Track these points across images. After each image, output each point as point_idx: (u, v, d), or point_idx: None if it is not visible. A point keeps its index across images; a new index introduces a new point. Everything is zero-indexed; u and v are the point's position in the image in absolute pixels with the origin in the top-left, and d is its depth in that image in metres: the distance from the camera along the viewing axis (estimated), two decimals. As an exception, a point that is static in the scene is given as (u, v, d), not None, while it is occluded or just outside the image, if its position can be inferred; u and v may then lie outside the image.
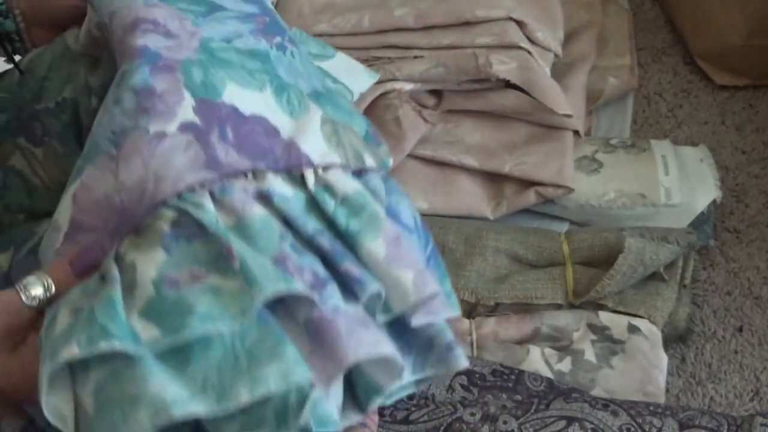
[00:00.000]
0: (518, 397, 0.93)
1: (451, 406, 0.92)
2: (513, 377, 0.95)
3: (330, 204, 0.69)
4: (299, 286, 0.62)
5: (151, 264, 0.64)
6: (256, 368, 0.60)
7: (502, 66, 1.16)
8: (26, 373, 0.64)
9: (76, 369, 0.62)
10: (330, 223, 0.69)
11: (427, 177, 1.16)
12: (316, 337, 0.64)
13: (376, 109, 1.17)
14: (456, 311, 0.72)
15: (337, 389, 0.67)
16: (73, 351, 0.59)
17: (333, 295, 0.65)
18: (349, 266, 0.66)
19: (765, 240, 1.19)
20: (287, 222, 0.68)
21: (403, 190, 1.15)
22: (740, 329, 1.11)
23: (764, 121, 1.33)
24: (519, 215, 1.16)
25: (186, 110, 0.69)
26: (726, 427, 0.91)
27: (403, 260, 0.68)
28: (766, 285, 1.15)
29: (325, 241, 0.67)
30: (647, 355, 1.00)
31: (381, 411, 0.91)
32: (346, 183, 0.71)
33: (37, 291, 0.66)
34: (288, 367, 0.60)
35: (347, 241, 0.68)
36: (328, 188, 0.70)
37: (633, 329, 1.02)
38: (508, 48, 1.19)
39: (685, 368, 1.07)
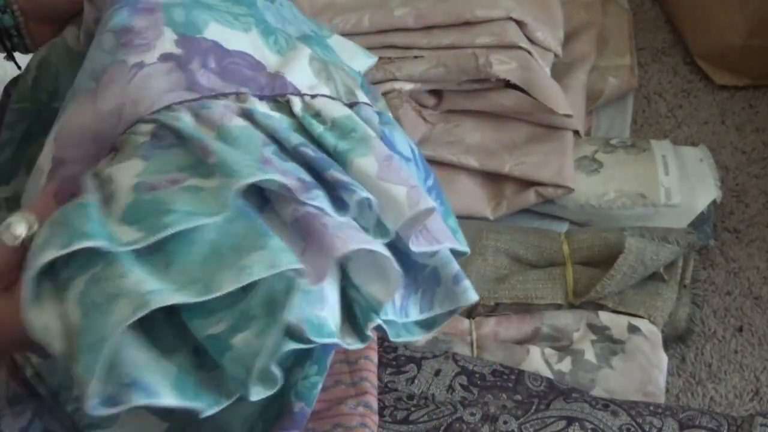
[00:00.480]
0: (518, 397, 0.93)
1: (451, 406, 0.92)
2: (513, 377, 0.96)
3: (318, 127, 0.68)
4: (278, 177, 0.61)
5: (129, 173, 0.63)
6: (240, 259, 0.59)
7: (502, 66, 1.16)
8: (18, 314, 0.62)
9: (61, 287, 0.61)
10: (318, 145, 0.68)
11: (427, 177, 1.16)
12: (304, 234, 0.62)
13: (376, 109, 1.17)
14: (463, 246, 0.70)
15: (333, 305, 0.66)
16: (48, 255, 0.58)
17: (319, 198, 0.63)
18: (335, 173, 0.65)
19: (765, 240, 1.19)
20: (270, 136, 0.67)
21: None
22: (740, 329, 1.11)
23: (764, 121, 1.33)
24: (519, 215, 1.16)
25: (166, 43, 0.68)
26: (726, 427, 0.91)
27: (395, 177, 0.66)
28: (766, 285, 1.15)
29: (310, 151, 0.66)
30: (647, 355, 1.00)
31: (381, 411, 0.91)
32: (334, 109, 0.70)
33: (20, 229, 0.64)
34: (273, 254, 0.59)
35: (336, 160, 0.67)
36: (316, 115, 0.69)
37: (633, 329, 1.02)
38: (508, 48, 1.19)
39: (685, 368, 1.07)
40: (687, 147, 1.22)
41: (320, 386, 0.81)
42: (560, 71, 1.26)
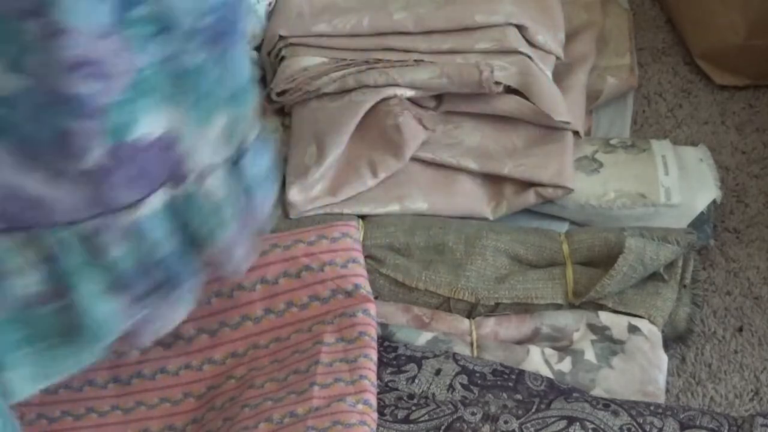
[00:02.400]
0: (519, 397, 0.93)
1: (452, 405, 0.92)
2: (513, 377, 0.95)
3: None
4: None
5: None
6: None
7: (502, 72, 1.16)
8: None
9: None
10: None
11: (427, 178, 1.16)
12: None
13: (376, 114, 1.17)
14: None
15: None
16: None
17: None
18: None
19: (765, 240, 1.19)
20: None
21: (404, 191, 1.17)
22: (740, 329, 1.11)
23: (764, 121, 1.33)
24: (519, 215, 1.15)
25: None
26: (727, 427, 0.91)
27: None
28: (766, 285, 1.15)
29: None
30: (647, 355, 1.00)
31: (381, 411, 0.91)
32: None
33: None
34: None
35: None
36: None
37: (633, 329, 1.02)
38: (508, 53, 1.19)
39: (685, 368, 1.07)
40: (687, 147, 1.22)
41: None
42: (560, 72, 1.26)
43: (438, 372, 0.96)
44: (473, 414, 0.91)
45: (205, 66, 0.71)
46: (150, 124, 0.68)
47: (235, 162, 0.74)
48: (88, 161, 0.64)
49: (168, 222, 0.70)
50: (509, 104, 1.18)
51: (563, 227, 1.16)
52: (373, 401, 0.90)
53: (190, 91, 0.71)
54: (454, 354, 0.97)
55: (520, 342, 1.02)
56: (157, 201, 0.69)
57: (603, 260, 1.06)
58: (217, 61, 0.72)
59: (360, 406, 0.88)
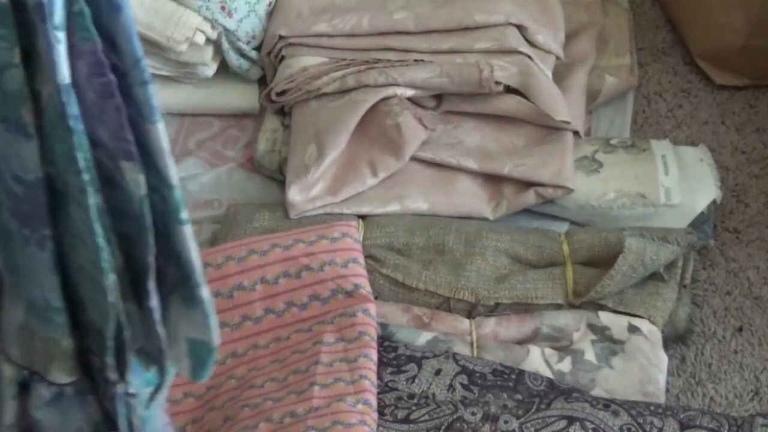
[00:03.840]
0: (519, 397, 0.93)
1: (452, 405, 0.92)
2: (513, 377, 0.95)
3: None
4: None
5: None
6: None
7: (502, 72, 1.16)
8: None
9: None
10: None
11: (427, 177, 1.16)
12: None
13: (376, 113, 1.17)
14: None
15: None
16: None
17: None
18: None
19: (765, 240, 1.19)
20: None
21: (404, 191, 1.16)
22: (740, 329, 1.11)
23: (764, 121, 1.33)
24: (519, 215, 1.15)
25: None
26: (727, 427, 0.91)
27: None
28: (766, 285, 1.15)
29: None
30: (647, 355, 1.00)
31: (381, 410, 0.91)
32: None
33: None
34: None
35: None
36: None
37: (633, 329, 1.02)
38: (508, 53, 1.19)
39: (685, 368, 1.07)
40: (687, 147, 1.22)
41: None
42: (560, 72, 1.26)
43: (438, 372, 0.96)
44: (473, 414, 0.91)
45: None
46: None
47: None
48: None
49: None
50: (509, 104, 1.18)
51: (563, 227, 1.16)
52: (373, 401, 0.90)
53: None
54: (454, 354, 0.97)
55: (520, 342, 1.02)
56: None
57: (603, 260, 1.06)
58: None
59: (360, 406, 0.88)
